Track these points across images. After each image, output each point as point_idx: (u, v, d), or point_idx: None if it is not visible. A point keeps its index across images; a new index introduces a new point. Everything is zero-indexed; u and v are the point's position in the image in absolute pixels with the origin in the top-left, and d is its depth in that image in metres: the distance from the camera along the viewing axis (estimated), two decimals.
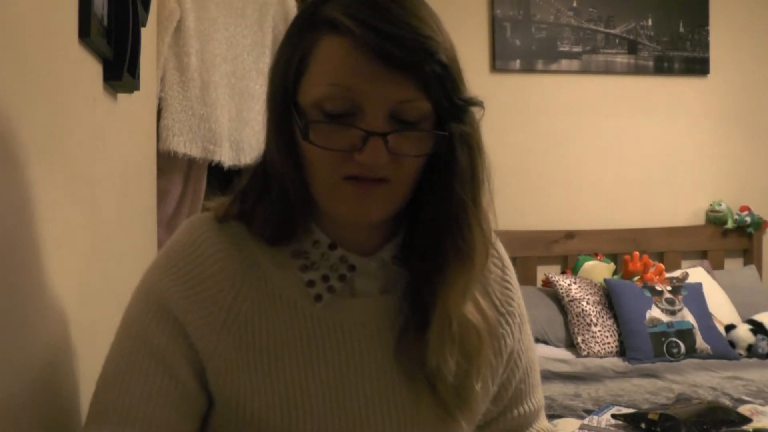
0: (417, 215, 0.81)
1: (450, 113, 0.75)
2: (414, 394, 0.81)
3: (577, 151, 3.76)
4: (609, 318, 3.19)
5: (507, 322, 0.90)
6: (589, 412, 2.31)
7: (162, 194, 1.91)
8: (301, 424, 0.78)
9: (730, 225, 3.80)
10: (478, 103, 0.79)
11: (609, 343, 3.13)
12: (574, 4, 3.75)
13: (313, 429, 0.78)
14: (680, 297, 3.20)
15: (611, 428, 2.13)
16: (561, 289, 3.29)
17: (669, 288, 3.25)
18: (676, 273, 3.50)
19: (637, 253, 3.51)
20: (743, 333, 3.16)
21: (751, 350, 3.12)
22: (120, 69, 1.16)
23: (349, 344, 0.81)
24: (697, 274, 3.50)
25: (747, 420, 2.12)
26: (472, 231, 0.79)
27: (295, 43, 0.77)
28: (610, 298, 3.25)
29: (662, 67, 3.83)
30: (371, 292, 0.84)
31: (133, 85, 1.28)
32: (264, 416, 0.78)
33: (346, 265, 0.83)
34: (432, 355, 0.79)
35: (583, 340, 3.13)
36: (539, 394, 0.98)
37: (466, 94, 0.77)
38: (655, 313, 3.13)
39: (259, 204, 0.82)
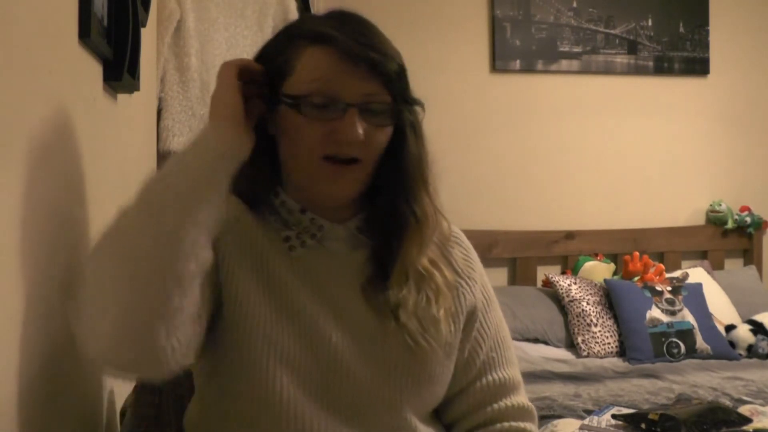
0: (376, 199, 0.99)
1: (404, 106, 0.96)
2: (381, 326, 0.95)
3: (577, 151, 3.76)
4: (609, 318, 3.19)
5: (467, 283, 1.05)
6: (589, 412, 2.30)
7: None
8: (286, 326, 0.90)
9: (730, 225, 3.80)
10: (421, 104, 0.99)
11: (609, 343, 3.13)
12: (574, 4, 3.75)
13: (294, 333, 0.90)
14: (680, 297, 3.20)
15: (611, 428, 2.13)
16: (561, 289, 3.29)
17: (669, 288, 3.25)
18: (676, 273, 3.49)
19: (637, 253, 3.51)
20: (743, 333, 3.16)
21: (751, 350, 3.12)
22: (120, 69, 1.16)
23: (321, 283, 0.95)
24: (697, 274, 3.50)
25: (747, 420, 2.12)
26: (423, 198, 0.98)
27: (281, 49, 0.95)
28: (610, 298, 3.25)
29: (662, 67, 3.83)
30: (341, 249, 0.99)
31: (133, 86, 1.28)
32: (254, 317, 0.90)
33: (316, 226, 0.98)
34: (392, 295, 0.95)
35: (583, 341, 3.13)
36: (514, 370, 1.07)
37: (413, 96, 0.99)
38: (655, 313, 3.13)
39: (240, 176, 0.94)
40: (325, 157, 0.92)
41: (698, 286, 3.32)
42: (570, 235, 3.68)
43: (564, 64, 3.75)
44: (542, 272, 3.61)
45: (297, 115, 0.91)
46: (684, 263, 3.75)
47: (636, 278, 3.42)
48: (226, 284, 0.92)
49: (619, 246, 3.69)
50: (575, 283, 3.30)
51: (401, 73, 0.95)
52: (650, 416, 2.07)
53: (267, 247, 0.96)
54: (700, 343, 3.08)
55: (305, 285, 0.95)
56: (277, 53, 0.95)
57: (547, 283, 3.46)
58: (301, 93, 0.91)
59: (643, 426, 2.08)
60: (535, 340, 3.17)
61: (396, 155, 0.97)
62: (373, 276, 0.97)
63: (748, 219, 3.80)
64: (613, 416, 2.17)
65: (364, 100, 0.92)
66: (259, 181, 0.98)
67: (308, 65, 0.92)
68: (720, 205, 3.80)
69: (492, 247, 3.54)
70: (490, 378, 1.03)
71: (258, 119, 0.94)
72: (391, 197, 0.98)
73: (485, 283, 1.09)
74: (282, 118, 0.94)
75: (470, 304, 1.04)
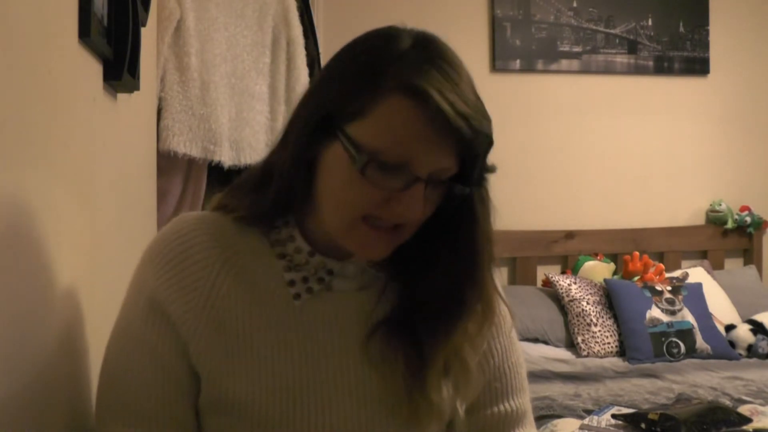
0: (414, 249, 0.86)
1: (475, 179, 0.82)
2: (380, 384, 0.85)
3: (577, 151, 3.76)
4: (609, 318, 3.20)
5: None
6: (589, 412, 2.31)
7: (162, 194, 1.91)
8: (270, 405, 0.83)
9: (730, 225, 3.80)
10: (495, 170, 0.84)
11: (609, 343, 3.13)
12: (574, 4, 3.75)
13: (282, 410, 0.83)
14: (680, 297, 3.21)
15: (611, 428, 2.13)
16: (561, 289, 3.29)
17: (669, 288, 3.25)
18: (676, 273, 3.50)
19: (637, 253, 3.51)
20: (743, 333, 3.16)
21: (751, 350, 3.12)
22: (120, 69, 1.16)
23: (321, 333, 0.86)
24: (697, 274, 3.50)
25: (747, 420, 2.12)
26: (489, 284, 0.86)
27: (359, 82, 0.79)
28: (610, 298, 3.25)
29: (662, 67, 3.83)
30: (348, 290, 0.89)
31: (133, 85, 1.28)
32: (236, 396, 0.83)
33: (325, 270, 0.88)
34: (432, 391, 0.84)
35: (583, 340, 3.13)
36: (522, 399, 0.97)
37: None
38: (655, 313, 3.13)
39: (250, 195, 0.87)
40: (365, 217, 0.80)
41: (698, 286, 3.32)
42: (570, 235, 3.68)
43: (564, 63, 3.75)
44: (542, 272, 3.62)
45: (355, 169, 0.77)
46: (684, 263, 3.75)
47: (636, 278, 3.42)
48: (202, 369, 0.85)
49: (619, 246, 3.69)
50: (575, 283, 3.30)
51: (489, 151, 0.81)
52: (650, 416, 2.07)
53: (266, 293, 0.86)
54: (700, 342, 3.08)
55: (303, 339, 0.85)
56: (351, 81, 0.80)
57: (547, 283, 3.46)
58: (371, 147, 0.76)
59: (643, 426, 2.08)
60: (535, 340, 3.17)
61: (460, 226, 0.84)
62: (379, 324, 0.86)
63: (748, 219, 3.80)
64: (613, 416, 2.17)
65: (432, 175, 0.78)
66: (281, 201, 0.85)
67: (387, 118, 0.76)
68: (720, 205, 3.80)
69: None
70: (489, 411, 0.94)
71: (304, 132, 0.81)
72: (453, 274, 0.84)
73: (501, 306, 0.94)
74: (332, 157, 0.80)
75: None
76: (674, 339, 3.06)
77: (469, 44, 3.64)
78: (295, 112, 0.86)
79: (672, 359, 3.00)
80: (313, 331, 0.86)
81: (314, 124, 0.81)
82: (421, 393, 0.84)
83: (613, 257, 3.68)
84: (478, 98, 0.80)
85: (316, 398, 0.84)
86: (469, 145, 0.78)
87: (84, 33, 0.98)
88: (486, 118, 0.80)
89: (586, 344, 3.12)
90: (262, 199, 0.86)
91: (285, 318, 0.86)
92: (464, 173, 0.81)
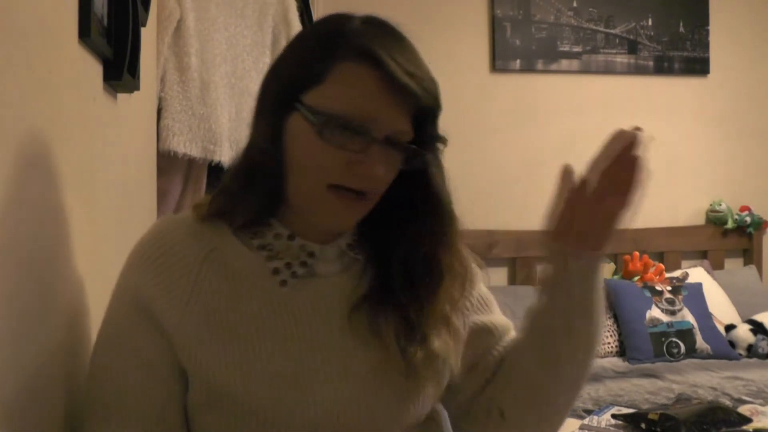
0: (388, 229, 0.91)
1: (429, 144, 0.87)
2: (368, 359, 0.87)
3: (578, 151, 3.73)
4: (609, 318, 3.19)
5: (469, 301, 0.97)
6: (589, 412, 2.31)
7: (162, 194, 1.91)
8: (261, 393, 0.83)
9: (730, 225, 3.80)
10: (444, 140, 0.89)
11: (609, 343, 3.13)
12: (574, 4, 3.75)
13: (273, 397, 0.83)
14: (680, 297, 3.21)
15: (611, 428, 2.13)
16: None
17: (669, 288, 3.25)
18: (676, 273, 3.50)
19: (637, 253, 3.51)
20: (743, 333, 3.17)
21: (751, 350, 3.12)
22: (120, 69, 1.16)
23: (308, 318, 0.87)
24: (697, 274, 3.50)
25: (747, 420, 2.12)
26: (460, 247, 0.91)
27: (313, 53, 0.84)
28: (610, 298, 3.25)
29: (662, 67, 3.83)
30: (330, 273, 0.91)
31: (133, 85, 1.28)
32: (227, 387, 0.83)
33: (306, 253, 0.89)
34: (430, 337, 0.88)
35: None
36: (498, 317, 1.02)
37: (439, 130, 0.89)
38: (655, 313, 3.13)
39: (240, 197, 0.87)
40: (330, 186, 0.82)
41: (698, 286, 3.32)
42: None
43: (564, 63, 3.75)
44: None
45: (314, 134, 0.81)
46: (684, 263, 3.75)
47: (636, 278, 3.42)
48: (189, 364, 0.85)
49: (619, 246, 3.69)
50: None
51: (437, 113, 0.86)
52: (650, 416, 2.07)
53: (249, 285, 0.86)
54: (700, 342, 3.08)
55: (290, 325, 0.86)
56: (306, 54, 0.84)
57: None
58: (327, 110, 0.80)
59: (643, 426, 2.08)
60: None
61: (421, 195, 0.88)
62: (362, 300, 0.89)
63: (748, 219, 3.80)
64: (613, 416, 2.18)
65: (389, 137, 0.82)
66: (257, 197, 0.86)
67: (343, 81, 0.81)
68: (720, 205, 3.80)
69: (492, 247, 3.54)
70: (491, 355, 0.99)
71: (269, 111, 0.85)
72: (425, 241, 0.88)
73: (480, 288, 1.01)
74: (294, 128, 0.83)
75: (466, 324, 0.97)
76: (674, 339, 3.07)
77: (469, 44, 3.64)
78: (257, 98, 0.88)
79: (672, 359, 3.00)
80: (300, 316, 0.87)
81: (275, 101, 0.85)
82: (419, 345, 0.86)
83: (613, 257, 3.68)
84: (424, 64, 0.85)
85: (306, 381, 0.84)
86: (419, 105, 0.83)
87: (84, 33, 0.98)
88: (433, 81, 0.85)
89: None
90: (257, 194, 0.86)
91: (271, 306, 0.86)
92: (419, 139, 0.85)
